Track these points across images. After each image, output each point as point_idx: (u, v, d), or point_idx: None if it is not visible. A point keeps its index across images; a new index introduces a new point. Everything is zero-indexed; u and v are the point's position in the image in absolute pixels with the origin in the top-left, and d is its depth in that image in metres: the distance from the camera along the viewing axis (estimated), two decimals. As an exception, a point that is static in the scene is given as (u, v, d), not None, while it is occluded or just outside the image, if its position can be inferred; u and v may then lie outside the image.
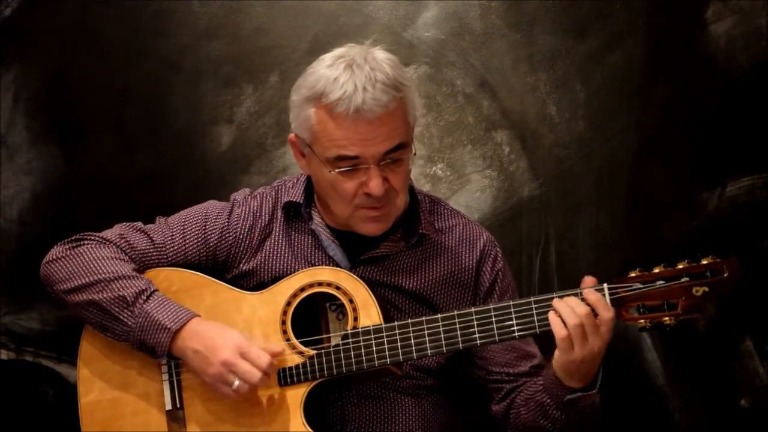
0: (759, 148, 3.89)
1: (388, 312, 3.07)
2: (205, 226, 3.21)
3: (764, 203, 3.89)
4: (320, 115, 3.02)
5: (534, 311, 2.93)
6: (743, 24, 3.90)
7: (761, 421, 3.89)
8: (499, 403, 3.16)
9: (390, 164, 3.03)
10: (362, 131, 2.99)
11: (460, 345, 2.97)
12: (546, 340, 2.95)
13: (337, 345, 3.02)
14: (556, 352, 2.93)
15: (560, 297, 2.91)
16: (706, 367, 3.93)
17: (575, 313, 2.87)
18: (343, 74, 3.00)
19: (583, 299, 2.89)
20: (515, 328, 2.94)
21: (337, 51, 3.07)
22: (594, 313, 2.88)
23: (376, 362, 3.00)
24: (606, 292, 2.89)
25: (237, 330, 3.06)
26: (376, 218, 3.07)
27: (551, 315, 2.90)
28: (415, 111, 3.09)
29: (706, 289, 2.85)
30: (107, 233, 3.21)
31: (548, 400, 3.01)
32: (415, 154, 3.10)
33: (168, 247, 3.19)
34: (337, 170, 3.03)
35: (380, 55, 3.05)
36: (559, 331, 2.89)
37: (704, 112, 3.92)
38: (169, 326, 3.05)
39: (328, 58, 3.06)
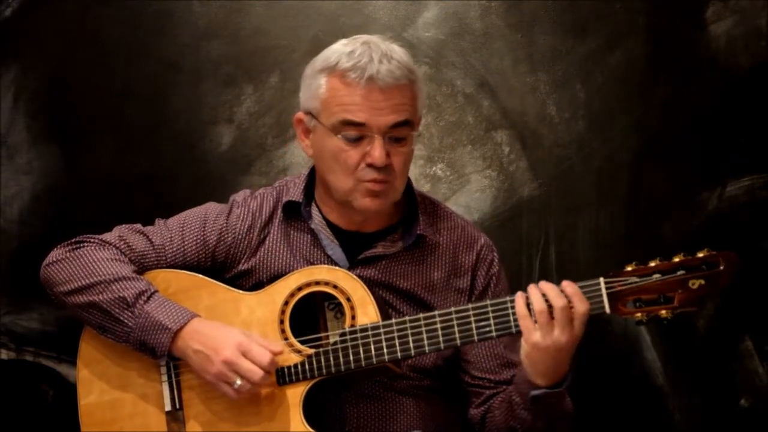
0: (759, 148, 3.89)
1: (385, 311, 3.07)
2: (204, 227, 3.21)
3: (764, 203, 3.89)
4: (332, 82, 3.06)
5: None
6: (743, 24, 3.90)
7: (761, 421, 3.89)
8: (478, 408, 3.15)
9: (394, 143, 3.06)
10: (373, 99, 3.02)
11: (458, 341, 2.97)
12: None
13: (335, 343, 3.02)
14: (521, 340, 2.92)
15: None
16: (706, 367, 3.93)
17: (548, 300, 2.87)
18: (359, 48, 3.06)
19: (561, 291, 2.89)
20: (512, 323, 2.94)
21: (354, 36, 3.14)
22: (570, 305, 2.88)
23: (374, 360, 3.00)
24: (602, 285, 2.89)
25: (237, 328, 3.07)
26: (375, 193, 3.07)
27: (518, 297, 2.90)
28: (423, 104, 3.14)
29: (702, 281, 2.85)
30: (107, 235, 3.22)
31: (517, 399, 3.00)
32: (419, 134, 3.14)
33: (167, 248, 3.20)
34: (342, 135, 3.05)
35: (395, 46, 3.11)
36: (520, 309, 2.89)
37: (704, 112, 3.92)
38: (169, 326, 3.05)
39: (344, 39, 3.12)
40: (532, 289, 2.91)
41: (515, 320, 2.94)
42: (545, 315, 2.87)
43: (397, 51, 3.08)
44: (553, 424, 3.01)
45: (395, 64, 3.03)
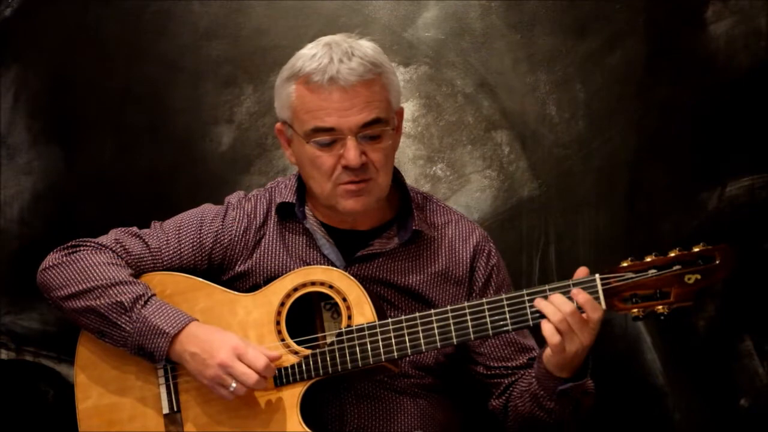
0: (759, 148, 3.88)
1: (382, 309, 3.08)
2: (200, 229, 3.22)
3: (764, 203, 3.88)
4: (299, 89, 3.06)
5: (527, 304, 2.93)
6: (743, 24, 3.89)
7: (761, 421, 3.88)
8: (498, 398, 3.17)
9: (369, 141, 3.06)
10: (337, 100, 3.02)
11: (454, 340, 2.98)
12: (540, 332, 2.94)
13: (332, 344, 3.02)
14: (548, 351, 2.94)
15: (551, 290, 2.92)
16: (706, 367, 3.92)
17: (559, 310, 2.88)
18: (320, 50, 3.06)
19: (570, 298, 2.88)
20: (509, 321, 2.95)
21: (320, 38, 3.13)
22: (582, 311, 2.88)
23: (371, 359, 3.00)
24: (598, 282, 2.89)
25: (234, 333, 3.07)
26: (355, 193, 3.08)
27: (544, 323, 2.90)
28: (398, 95, 3.12)
29: (699, 276, 2.84)
30: (103, 239, 3.22)
31: (542, 392, 3.02)
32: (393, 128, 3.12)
33: (163, 251, 3.20)
34: (314, 141, 3.05)
35: (363, 41, 3.10)
36: (551, 337, 2.89)
37: (704, 112, 3.91)
38: (167, 331, 3.05)
39: (310, 44, 3.12)
40: (541, 303, 2.91)
41: (512, 317, 2.95)
42: (565, 324, 2.88)
43: (361, 47, 3.07)
44: (580, 406, 3.04)
45: (357, 61, 3.03)
